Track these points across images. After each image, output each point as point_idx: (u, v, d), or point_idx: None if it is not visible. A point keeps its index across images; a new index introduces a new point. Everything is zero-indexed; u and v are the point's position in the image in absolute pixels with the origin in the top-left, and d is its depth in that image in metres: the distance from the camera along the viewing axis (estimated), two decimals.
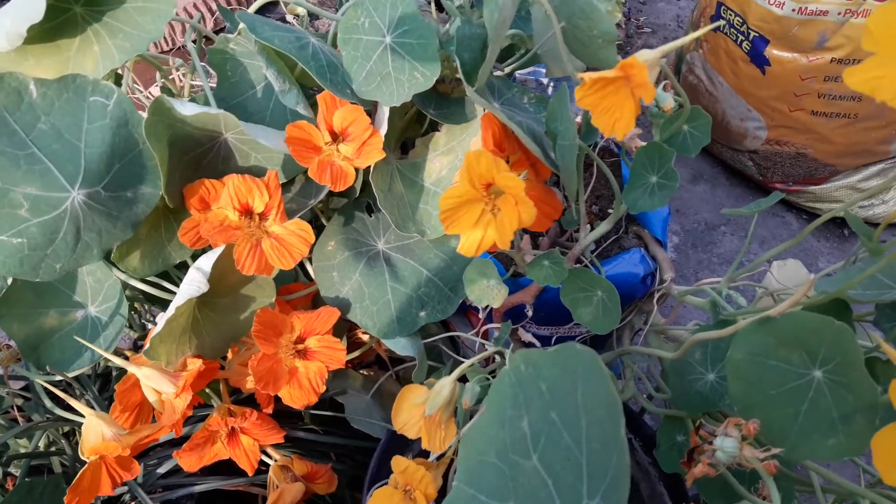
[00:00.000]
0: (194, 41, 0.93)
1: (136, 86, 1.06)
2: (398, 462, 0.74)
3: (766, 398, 0.68)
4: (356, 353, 1.07)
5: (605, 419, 0.52)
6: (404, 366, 1.18)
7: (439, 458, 0.85)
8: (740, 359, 0.69)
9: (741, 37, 1.68)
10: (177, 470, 1.00)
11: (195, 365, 0.80)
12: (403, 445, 1.05)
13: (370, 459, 1.17)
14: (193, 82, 1.04)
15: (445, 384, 0.72)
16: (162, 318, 0.75)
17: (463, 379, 0.77)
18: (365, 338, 1.09)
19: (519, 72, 1.10)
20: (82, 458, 0.78)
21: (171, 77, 1.07)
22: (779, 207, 1.97)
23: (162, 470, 0.97)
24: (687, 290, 0.93)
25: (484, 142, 0.76)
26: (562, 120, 0.77)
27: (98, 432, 0.77)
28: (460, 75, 0.78)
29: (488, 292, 0.83)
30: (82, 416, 0.88)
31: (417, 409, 0.73)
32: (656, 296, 0.95)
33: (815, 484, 0.79)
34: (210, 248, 0.84)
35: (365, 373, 1.18)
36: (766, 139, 1.80)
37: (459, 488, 0.58)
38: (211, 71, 0.92)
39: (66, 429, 1.01)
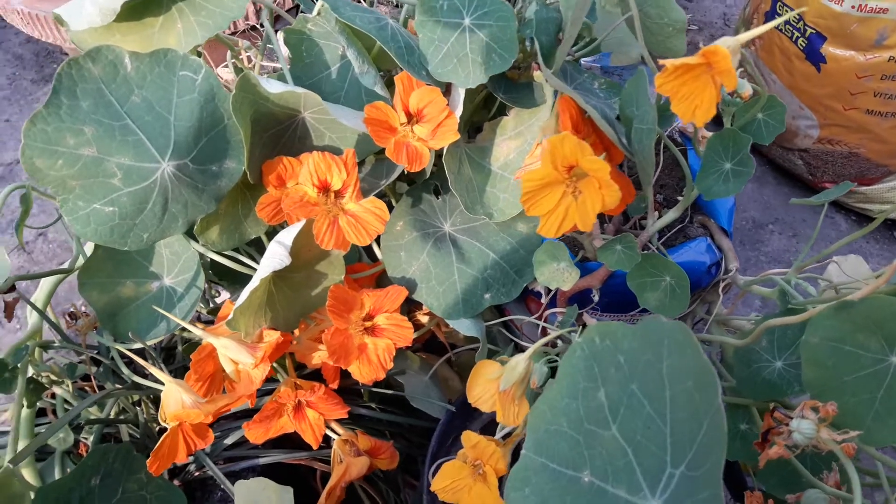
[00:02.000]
0: (268, 19, 0.95)
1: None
2: (469, 437, 0.76)
3: (841, 384, 0.69)
4: (415, 335, 1.08)
5: (694, 390, 0.52)
6: (457, 350, 1.20)
7: (505, 437, 0.86)
8: (816, 344, 0.69)
9: (797, 34, 1.67)
10: (240, 443, 1.02)
11: (273, 337, 0.82)
12: (461, 426, 1.07)
13: (423, 440, 1.19)
14: (263, 63, 1.06)
15: (520, 360, 0.73)
16: (245, 290, 0.77)
17: None
18: (424, 320, 1.10)
19: (583, 60, 1.11)
20: (162, 423, 0.80)
21: (240, 58, 1.09)
22: (828, 208, 1.95)
23: (228, 441, 0.99)
24: (753, 280, 0.93)
25: (562, 125, 0.77)
26: (639, 104, 0.77)
27: (178, 399, 0.79)
28: (539, 58, 0.79)
29: (558, 275, 0.84)
30: (156, 384, 0.91)
31: (492, 384, 0.74)
32: (721, 285, 0.96)
33: (882, 475, 0.78)
34: (284, 226, 0.86)
35: (422, 356, 1.19)
36: (817, 138, 1.79)
37: (528, 457, 0.59)
38: (284, 52, 0.94)
39: (136, 398, 1.04)
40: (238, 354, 0.80)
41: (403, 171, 0.97)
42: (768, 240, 1.89)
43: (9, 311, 0.85)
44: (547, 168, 0.67)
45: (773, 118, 0.82)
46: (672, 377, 0.54)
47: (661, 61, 0.66)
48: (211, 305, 1.10)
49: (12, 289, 0.84)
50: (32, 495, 0.84)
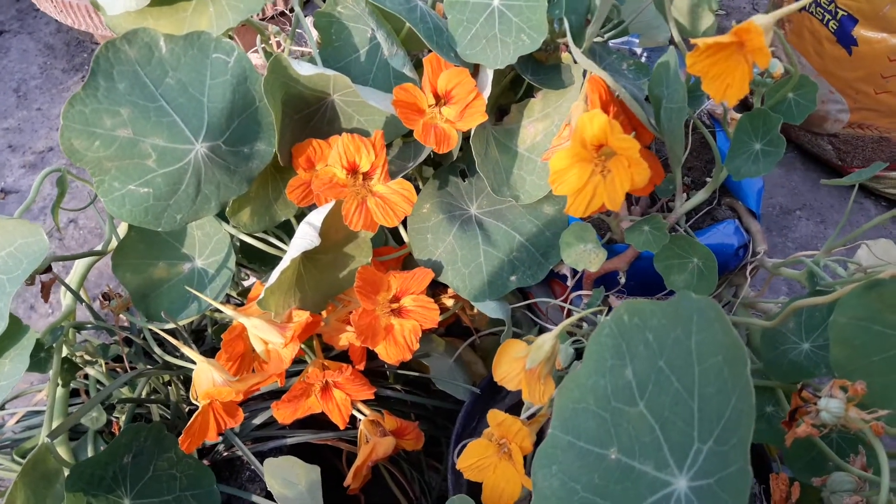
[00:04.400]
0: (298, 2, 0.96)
1: None
2: (495, 415, 0.76)
3: (870, 364, 0.69)
4: (441, 318, 1.09)
5: (723, 365, 0.52)
6: (481, 334, 1.20)
7: (530, 417, 0.86)
8: (844, 323, 0.69)
9: (828, 16, 1.65)
10: (268, 423, 1.04)
11: (302, 317, 0.83)
12: (485, 408, 1.07)
13: (447, 423, 1.19)
14: (292, 48, 1.06)
15: (547, 339, 0.73)
16: (276, 270, 0.78)
17: None
18: (449, 303, 1.11)
19: (612, 41, 1.11)
20: (193, 400, 0.82)
21: (269, 42, 1.10)
22: (857, 193, 1.93)
23: (257, 421, 1.01)
24: (781, 263, 0.93)
25: (591, 105, 0.77)
26: (668, 83, 0.77)
27: (209, 378, 0.81)
28: (568, 38, 0.79)
29: (585, 256, 0.84)
30: (187, 363, 0.92)
31: (518, 363, 0.74)
32: (749, 268, 0.95)
33: None
34: (314, 208, 0.87)
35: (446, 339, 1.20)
36: (847, 122, 1.77)
37: (555, 435, 0.60)
38: (313, 35, 0.95)
39: (167, 378, 1.05)
40: (268, 334, 0.82)
41: (430, 154, 0.97)
42: (796, 226, 1.87)
43: (45, 292, 0.87)
44: (576, 147, 0.67)
45: (804, 97, 0.81)
46: (701, 353, 0.54)
47: (692, 41, 0.66)
48: (239, 288, 1.11)
49: (48, 270, 0.86)
50: (67, 472, 0.86)
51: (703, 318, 0.54)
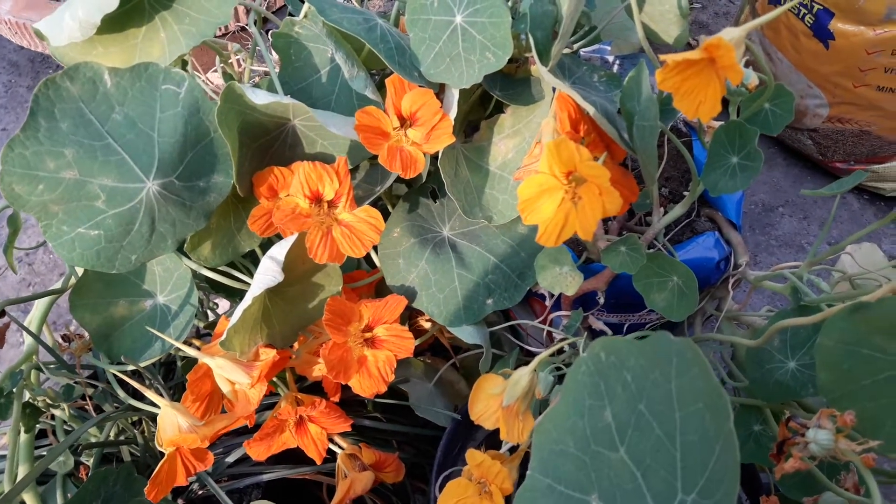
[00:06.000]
0: (255, 22, 0.92)
1: (195, 72, 1.05)
2: (473, 455, 0.73)
3: (859, 388, 0.66)
4: (419, 342, 1.05)
5: (705, 412, 0.50)
6: (464, 354, 1.17)
7: (511, 449, 0.83)
8: (830, 346, 0.67)
9: (804, 10, 1.63)
10: (244, 459, 1.00)
11: (269, 355, 0.80)
12: (468, 434, 1.05)
13: (431, 448, 1.16)
14: (253, 67, 1.03)
15: (523, 374, 0.70)
16: (238, 309, 0.74)
17: None
18: (427, 325, 1.08)
19: (583, 50, 1.08)
20: (158, 448, 0.78)
21: (229, 62, 1.06)
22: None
23: (230, 459, 0.97)
24: (764, 275, 0.90)
25: (560, 123, 0.74)
26: (640, 99, 0.74)
27: (174, 424, 0.77)
28: (533, 54, 0.76)
29: (561, 280, 0.81)
30: (153, 404, 0.89)
31: (494, 400, 0.71)
32: (731, 281, 0.93)
33: None
34: (279, 236, 0.83)
35: (427, 360, 1.17)
36: (827, 117, 1.75)
37: (535, 478, 0.57)
38: (272, 56, 0.91)
39: (135, 418, 1.02)
40: (234, 374, 0.78)
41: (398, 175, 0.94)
42: (779, 223, 1.85)
43: (0, 337, 0.83)
44: (544, 174, 0.64)
45: (780, 107, 0.78)
46: (682, 398, 0.51)
47: (661, 57, 0.63)
48: (209, 318, 1.08)
49: (2, 314, 0.82)
50: None
51: (682, 360, 0.51)
